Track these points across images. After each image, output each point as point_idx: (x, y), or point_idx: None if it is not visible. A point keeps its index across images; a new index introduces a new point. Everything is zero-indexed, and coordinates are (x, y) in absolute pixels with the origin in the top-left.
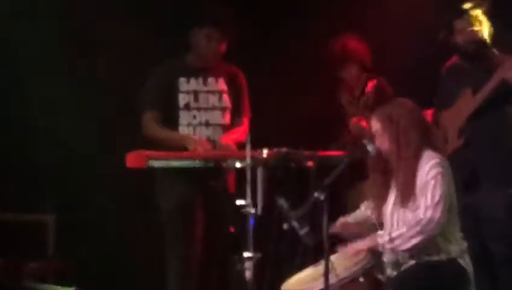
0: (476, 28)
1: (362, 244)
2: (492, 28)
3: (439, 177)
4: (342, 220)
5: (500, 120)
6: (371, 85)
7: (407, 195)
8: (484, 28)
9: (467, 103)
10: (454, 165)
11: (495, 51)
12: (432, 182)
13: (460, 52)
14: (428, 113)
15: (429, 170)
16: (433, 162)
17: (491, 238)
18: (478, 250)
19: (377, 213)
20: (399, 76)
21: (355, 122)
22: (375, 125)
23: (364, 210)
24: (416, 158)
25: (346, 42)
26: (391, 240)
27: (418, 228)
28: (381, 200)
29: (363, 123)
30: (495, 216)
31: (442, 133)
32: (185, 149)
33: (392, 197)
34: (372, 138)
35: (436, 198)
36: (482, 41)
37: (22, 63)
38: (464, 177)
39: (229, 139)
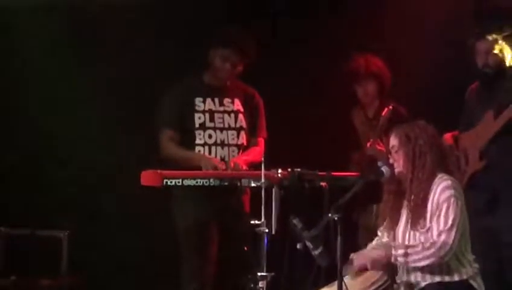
0: (495, 52)
1: (375, 254)
2: None
3: (452, 200)
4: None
5: None
6: (387, 110)
7: (417, 217)
8: (505, 52)
9: (488, 126)
10: (475, 187)
11: None
12: (445, 205)
13: (479, 75)
14: (448, 136)
15: (441, 192)
16: (445, 184)
17: (509, 262)
18: (494, 273)
19: (390, 235)
20: (419, 98)
21: (371, 145)
22: (393, 141)
23: (380, 235)
24: (429, 181)
25: (370, 59)
26: (406, 254)
27: (432, 250)
28: (393, 221)
29: (379, 146)
30: None
31: (463, 154)
32: (200, 168)
33: (403, 218)
34: (387, 160)
35: (450, 222)
36: (500, 64)
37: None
38: (484, 200)
39: (239, 160)
